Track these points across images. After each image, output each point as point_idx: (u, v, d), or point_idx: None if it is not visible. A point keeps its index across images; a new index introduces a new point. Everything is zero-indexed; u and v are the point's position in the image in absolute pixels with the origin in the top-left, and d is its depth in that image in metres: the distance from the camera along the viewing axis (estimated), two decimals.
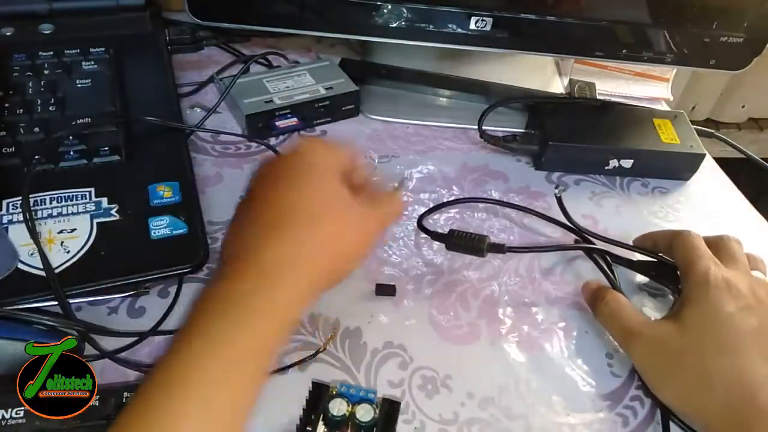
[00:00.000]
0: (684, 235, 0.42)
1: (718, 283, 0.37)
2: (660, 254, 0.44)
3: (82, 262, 0.38)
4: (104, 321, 0.39)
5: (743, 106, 1.31)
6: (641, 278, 0.46)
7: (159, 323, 0.39)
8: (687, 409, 0.37)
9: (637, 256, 0.46)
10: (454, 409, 0.37)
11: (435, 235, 0.45)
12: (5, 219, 0.40)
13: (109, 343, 0.37)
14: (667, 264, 0.43)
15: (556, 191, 0.48)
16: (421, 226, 0.46)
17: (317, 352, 0.38)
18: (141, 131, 0.48)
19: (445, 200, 0.50)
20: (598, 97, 0.62)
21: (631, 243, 0.46)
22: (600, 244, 0.46)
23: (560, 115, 0.56)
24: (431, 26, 0.53)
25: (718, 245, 0.41)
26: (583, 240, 0.47)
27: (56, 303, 0.36)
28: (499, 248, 0.43)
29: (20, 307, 0.36)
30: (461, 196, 0.51)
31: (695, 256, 0.40)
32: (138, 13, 0.58)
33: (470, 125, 0.57)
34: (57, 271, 0.37)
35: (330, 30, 0.55)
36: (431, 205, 0.49)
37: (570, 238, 0.48)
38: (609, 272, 0.45)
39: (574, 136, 0.54)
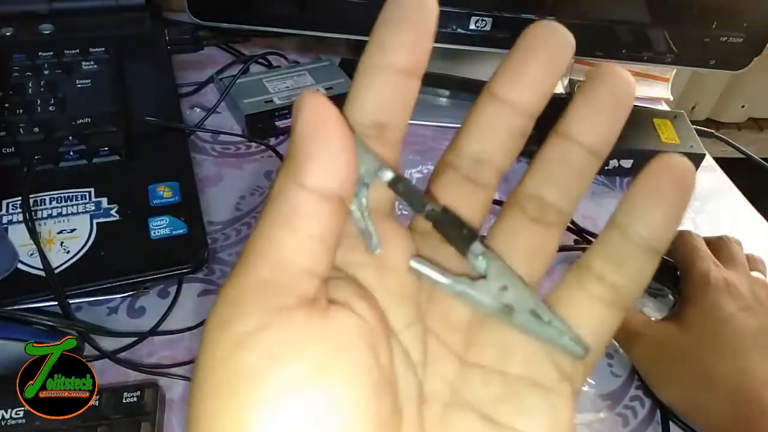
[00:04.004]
0: (684, 236, 0.42)
1: (718, 284, 0.37)
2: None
3: (81, 262, 0.38)
4: (104, 321, 0.39)
5: (743, 106, 1.31)
6: None
7: (159, 323, 0.39)
8: (688, 409, 0.37)
9: None
10: None
11: None
12: (5, 219, 0.40)
13: (109, 343, 0.37)
14: (667, 264, 0.43)
15: None
16: None
17: None
18: (141, 131, 0.48)
19: None
20: None
21: None
22: None
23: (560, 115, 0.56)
24: None
25: (718, 246, 0.41)
26: (583, 240, 0.47)
27: (56, 303, 0.36)
28: None
29: (20, 307, 0.36)
30: None
31: (695, 257, 0.40)
32: (138, 13, 0.58)
33: None
34: (57, 271, 0.37)
35: (330, 30, 0.55)
36: None
37: (570, 238, 0.48)
38: None
39: None
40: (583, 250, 0.47)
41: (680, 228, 0.47)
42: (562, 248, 0.47)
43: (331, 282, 0.15)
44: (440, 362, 0.17)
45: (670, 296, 0.45)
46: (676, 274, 0.41)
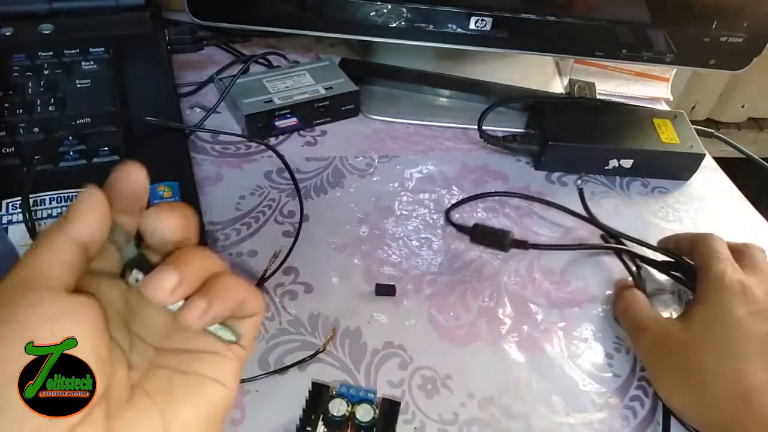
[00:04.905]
0: (706, 238, 0.42)
1: (733, 286, 0.37)
2: (682, 256, 0.44)
3: None
4: None
5: (743, 106, 1.31)
6: (668, 279, 0.46)
7: None
8: (684, 407, 0.36)
9: (658, 257, 0.46)
10: (454, 409, 0.37)
11: (460, 228, 0.47)
12: (5, 219, 0.40)
13: None
14: (687, 265, 0.43)
15: (579, 182, 0.50)
16: (447, 219, 0.48)
17: (317, 352, 0.38)
18: (141, 131, 0.48)
19: (445, 200, 0.50)
20: (598, 97, 0.62)
21: None
22: (627, 244, 0.47)
23: (560, 115, 0.56)
24: (431, 26, 0.53)
25: (741, 252, 0.41)
26: (606, 233, 0.48)
27: None
28: (521, 244, 0.43)
29: None
30: (461, 197, 0.51)
31: (713, 259, 0.39)
32: (138, 13, 0.58)
33: (470, 125, 0.57)
34: None
35: (330, 30, 0.55)
36: (431, 206, 0.49)
37: (587, 233, 0.49)
38: (634, 271, 0.45)
39: (574, 136, 0.54)
40: (612, 249, 0.47)
41: (680, 228, 0.47)
42: (585, 247, 0.48)
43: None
44: (142, 349, 0.26)
45: (690, 297, 0.44)
46: (695, 275, 0.41)
